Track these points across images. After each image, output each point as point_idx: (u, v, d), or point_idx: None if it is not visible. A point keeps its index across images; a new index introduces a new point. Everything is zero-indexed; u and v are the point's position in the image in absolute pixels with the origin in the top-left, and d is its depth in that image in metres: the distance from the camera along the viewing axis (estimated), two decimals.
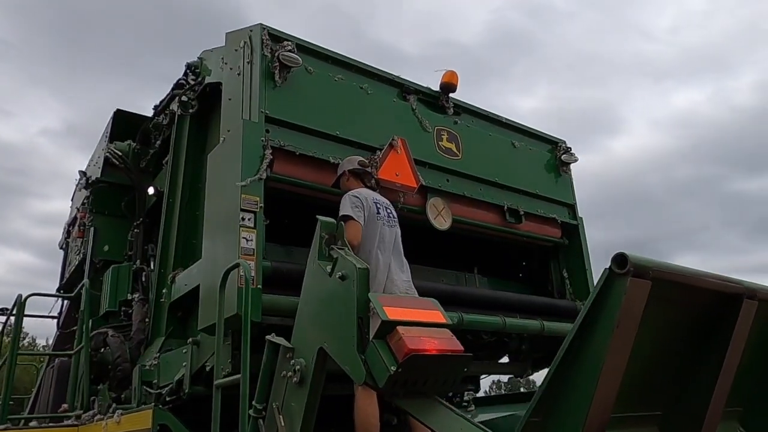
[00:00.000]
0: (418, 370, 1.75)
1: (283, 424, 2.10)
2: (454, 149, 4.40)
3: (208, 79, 4.37)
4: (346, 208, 3.25)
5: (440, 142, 4.34)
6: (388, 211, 3.53)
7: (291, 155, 3.63)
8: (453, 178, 4.34)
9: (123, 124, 5.74)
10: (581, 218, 5.04)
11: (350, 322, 1.89)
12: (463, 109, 4.62)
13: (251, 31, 3.82)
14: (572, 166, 5.12)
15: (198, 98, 4.48)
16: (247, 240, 3.21)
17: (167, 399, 3.93)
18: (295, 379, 2.10)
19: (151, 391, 4.11)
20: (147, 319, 4.63)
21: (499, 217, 4.63)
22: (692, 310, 2.07)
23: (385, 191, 3.79)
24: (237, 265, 2.72)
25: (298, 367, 2.09)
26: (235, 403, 2.95)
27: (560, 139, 5.17)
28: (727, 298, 2.13)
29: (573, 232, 4.99)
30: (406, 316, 1.87)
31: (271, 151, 3.48)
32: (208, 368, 3.69)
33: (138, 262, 5.06)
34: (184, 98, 4.49)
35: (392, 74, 4.34)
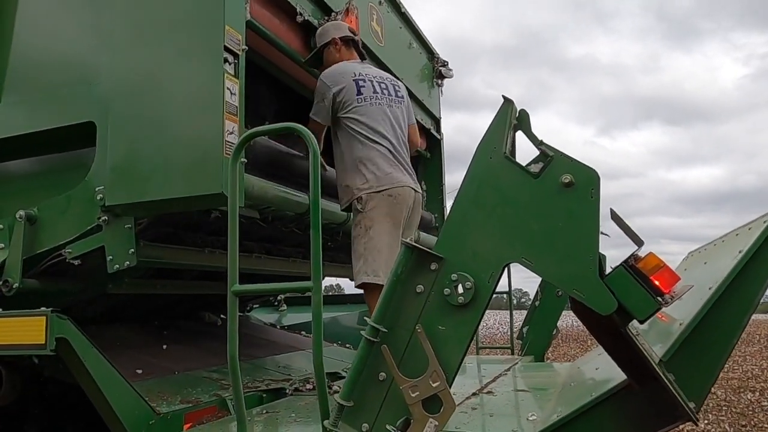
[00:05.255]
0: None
1: (433, 351, 1.65)
2: (380, 34, 3.90)
3: None
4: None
5: (372, 22, 3.79)
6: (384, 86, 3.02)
7: None
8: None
9: None
10: (443, 133, 5.12)
11: (587, 241, 1.56)
12: None
13: None
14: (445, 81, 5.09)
15: None
16: (231, 93, 2.31)
17: None
18: (460, 299, 1.65)
19: None
20: None
21: None
22: None
23: None
24: (287, 128, 1.89)
25: (468, 284, 1.64)
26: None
27: (436, 51, 5.05)
28: None
29: (435, 146, 5.03)
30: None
31: None
32: (69, 257, 2.65)
33: None
34: None
35: None
